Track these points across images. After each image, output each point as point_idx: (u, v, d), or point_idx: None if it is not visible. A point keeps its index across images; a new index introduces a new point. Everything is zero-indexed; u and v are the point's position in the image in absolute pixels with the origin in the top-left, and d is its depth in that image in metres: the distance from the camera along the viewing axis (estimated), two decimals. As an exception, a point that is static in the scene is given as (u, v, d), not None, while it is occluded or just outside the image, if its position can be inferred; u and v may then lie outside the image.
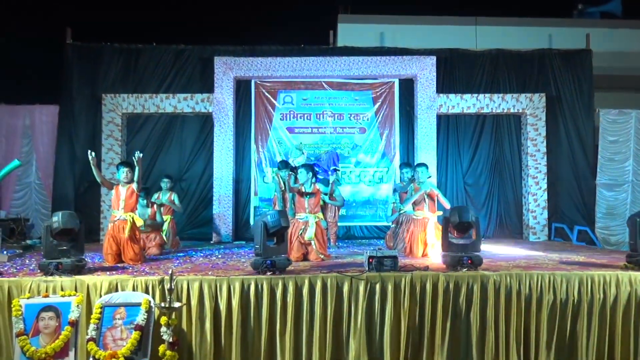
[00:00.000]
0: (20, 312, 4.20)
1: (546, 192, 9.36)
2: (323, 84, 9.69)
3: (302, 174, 6.35)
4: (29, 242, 7.89)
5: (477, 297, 4.63)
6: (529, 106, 9.41)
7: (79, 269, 4.76)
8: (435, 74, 9.36)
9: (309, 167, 6.51)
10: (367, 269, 4.76)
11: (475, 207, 9.41)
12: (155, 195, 7.77)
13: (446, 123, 9.73)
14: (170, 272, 4.28)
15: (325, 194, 7.55)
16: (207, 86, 9.37)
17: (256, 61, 9.34)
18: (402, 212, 6.84)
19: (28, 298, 4.33)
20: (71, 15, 10.83)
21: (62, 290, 4.42)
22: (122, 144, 9.27)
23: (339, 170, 8.56)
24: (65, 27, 9.38)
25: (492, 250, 6.98)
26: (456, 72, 9.67)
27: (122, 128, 9.28)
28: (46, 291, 4.43)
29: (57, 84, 9.40)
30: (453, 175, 9.67)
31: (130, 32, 10.27)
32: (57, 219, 4.80)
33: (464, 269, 4.81)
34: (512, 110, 9.47)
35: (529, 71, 9.66)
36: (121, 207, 6.09)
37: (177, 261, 6.04)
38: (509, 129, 9.79)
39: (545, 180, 9.38)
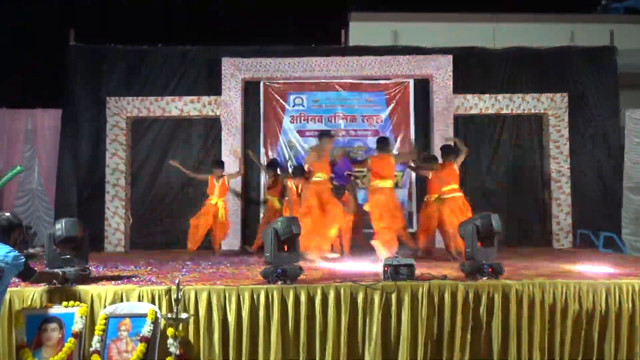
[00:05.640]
0: (22, 324, 4.22)
1: (570, 197, 9.27)
2: (335, 85, 9.68)
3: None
4: (31, 250, 7.93)
5: (499, 308, 4.58)
6: (551, 106, 9.34)
7: (83, 278, 4.77)
8: (451, 73, 9.31)
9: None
10: (382, 277, 4.73)
11: (495, 214, 9.30)
12: None
13: (464, 125, 9.66)
14: (177, 281, 4.28)
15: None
16: (214, 88, 9.39)
17: (265, 62, 9.36)
18: None
19: (30, 308, 4.35)
20: (74, 16, 10.93)
21: (65, 300, 4.43)
22: (127, 148, 9.32)
23: (352, 176, 8.53)
24: (68, 28, 9.46)
25: (513, 258, 6.91)
26: (474, 71, 9.59)
27: (127, 132, 9.33)
28: (49, 301, 4.45)
29: (60, 86, 9.48)
30: (472, 180, 9.58)
31: (134, 33, 10.33)
32: (61, 226, 4.82)
33: (485, 278, 4.77)
34: (533, 111, 9.40)
35: (551, 70, 9.57)
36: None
37: (184, 270, 6.06)
38: (530, 131, 9.69)
39: (569, 184, 9.29)
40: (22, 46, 10.25)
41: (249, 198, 9.53)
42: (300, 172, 7.71)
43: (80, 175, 9.29)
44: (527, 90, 9.51)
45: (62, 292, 4.52)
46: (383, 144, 7.50)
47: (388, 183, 7.19)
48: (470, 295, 4.60)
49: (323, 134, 7.58)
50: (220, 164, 8.19)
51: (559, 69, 9.56)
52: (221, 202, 8.00)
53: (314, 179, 7.14)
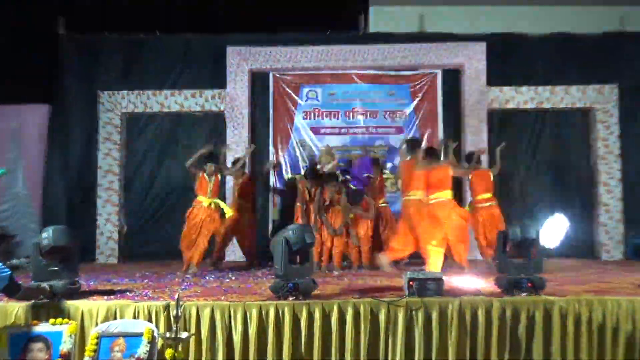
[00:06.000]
0: (5, 343, 4.24)
1: (621, 202, 9.18)
2: (353, 76, 9.69)
3: None
4: (15, 261, 7.99)
5: (540, 327, 4.54)
6: (599, 100, 9.26)
7: (72, 292, 4.79)
8: (485, 63, 9.29)
9: None
10: (407, 293, 4.71)
11: (535, 220, 9.21)
12: None
13: (499, 121, 9.62)
14: (176, 296, 4.26)
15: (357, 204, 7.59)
16: (218, 81, 9.45)
17: (275, 51, 9.39)
18: None
19: (14, 326, 4.37)
20: (63, 2, 11.01)
21: (52, 317, 4.45)
22: (122, 148, 9.41)
23: (372, 178, 8.49)
24: (57, 15, 9.57)
25: (556, 271, 6.84)
26: (510, 60, 9.55)
27: (122, 130, 9.42)
28: (34, 318, 4.47)
29: (48, 80, 9.60)
30: (508, 184, 9.50)
31: (130, 20, 10.37)
32: (48, 235, 4.84)
33: (524, 294, 4.73)
34: (577, 105, 9.34)
35: (599, 59, 9.48)
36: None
37: (185, 284, 6.07)
38: (575, 127, 9.63)
39: (620, 188, 9.21)
40: (5, 35, 10.34)
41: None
42: (313, 174, 7.72)
43: (69, 178, 9.40)
44: (572, 81, 9.44)
45: (49, 308, 4.54)
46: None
47: (418, 194, 6.97)
48: (508, 313, 4.56)
49: (413, 141, 7.52)
50: (213, 158, 7.82)
51: (607, 58, 9.48)
52: (214, 203, 7.74)
53: (410, 197, 6.99)
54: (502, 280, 4.96)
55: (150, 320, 4.47)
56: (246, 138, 9.32)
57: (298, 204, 7.87)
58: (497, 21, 9.79)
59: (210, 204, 7.64)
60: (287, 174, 9.56)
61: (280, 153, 9.65)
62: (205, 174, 7.66)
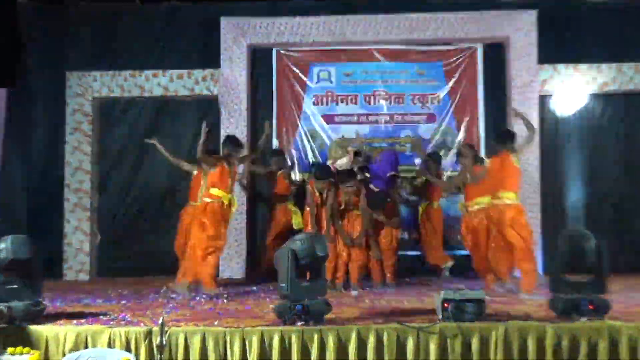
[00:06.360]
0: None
1: None
2: (374, 52, 9.67)
3: None
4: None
5: (604, 359, 4.51)
6: (676, 80, 9.19)
7: (34, 315, 4.81)
8: (536, 36, 9.23)
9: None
10: (440, 317, 4.72)
11: (597, 229, 9.14)
12: None
13: (553, 107, 9.54)
14: (160, 321, 4.23)
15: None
16: (210, 59, 9.47)
17: (279, 22, 9.40)
18: None
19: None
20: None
21: (11, 346, 4.46)
22: (94, 141, 9.45)
23: (399, 178, 8.51)
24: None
25: (624, 291, 6.80)
26: (567, 33, 9.49)
27: (94, 119, 9.46)
28: (-10, 347, 4.49)
29: (6, 59, 9.61)
30: (563, 183, 9.51)
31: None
32: (5, 246, 4.87)
33: (583, 318, 4.72)
34: (650, 87, 9.27)
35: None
36: None
37: (170, 305, 6.08)
38: (647, 115, 9.59)
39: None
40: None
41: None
42: (326, 173, 7.68)
43: (31, 176, 9.43)
44: (643, 58, 9.38)
45: (7, 334, 4.56)
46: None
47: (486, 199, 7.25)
48: (565, 342, 4.54)
49: (506, 133, 7.56)
50: (213, 153, 7.83)
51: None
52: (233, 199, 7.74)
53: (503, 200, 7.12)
54: (557, 302, 4.94)
55: (128, 349, 4.48)
56: (244, 128, 9.32)
57: (307, 208, 7.85)
58: (551, -15, 9.76)
59: (229, 201, 7.64)
60: (295, 173, 9.49)
61: (285, 145, 9.63)
62: (226, 165, 7.55)
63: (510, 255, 7.07)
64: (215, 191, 7.29)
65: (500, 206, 7.03)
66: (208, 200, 7.34)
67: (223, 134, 9.20)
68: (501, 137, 7.43)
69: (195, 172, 7.93)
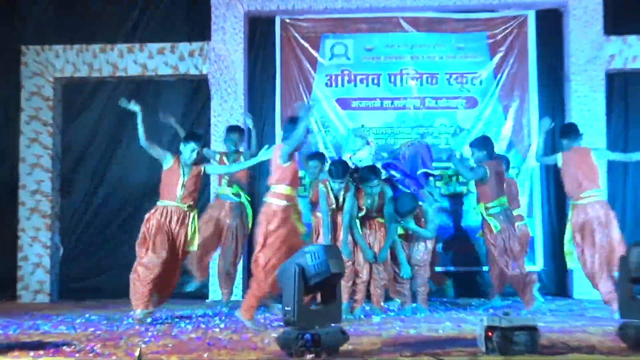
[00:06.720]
0: None
1: None
2: (401, 21, 9.66)
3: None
4: None
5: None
6: None
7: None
8: (601, 1, 9.17)
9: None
10: (483, 349, 4.68)
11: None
12: None
13: (623, 87, 9.58)
14: (137, 353, 4.28)
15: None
16: (198, 30, 9.55)
17: (284, -16, 9.39)
18: None
19: None
20: None
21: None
22: (56, 131, 9.44)
23: (433, 177, 8.52)
24: None
25: None
26: (640, -4, 9.48)
27: (56, 104, 9.45)
28: None
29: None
30: (636, 178, 9.48)
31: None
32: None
33: (663, 350, 4.69)
34: None
35: None
36: None
37: (149, 333, 6.05)
38: None
39: None
40: None
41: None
42: (343, 170, 7.59)
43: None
44: None
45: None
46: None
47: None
48: (641, 383, 4.50)
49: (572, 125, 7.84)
50: (195, 137, 7.64)
51: None
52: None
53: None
54: (629, 330, 4.88)
55: (96, 388, 4.46)
56: (240, 114, 9.31)
57: (318, 214, 7.79)
58: None
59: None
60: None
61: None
62: (225, 157, 7.91)
63: None
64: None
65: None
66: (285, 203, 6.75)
67: (214, 121, 9.20)
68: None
69: (170, 165, 7.73)
